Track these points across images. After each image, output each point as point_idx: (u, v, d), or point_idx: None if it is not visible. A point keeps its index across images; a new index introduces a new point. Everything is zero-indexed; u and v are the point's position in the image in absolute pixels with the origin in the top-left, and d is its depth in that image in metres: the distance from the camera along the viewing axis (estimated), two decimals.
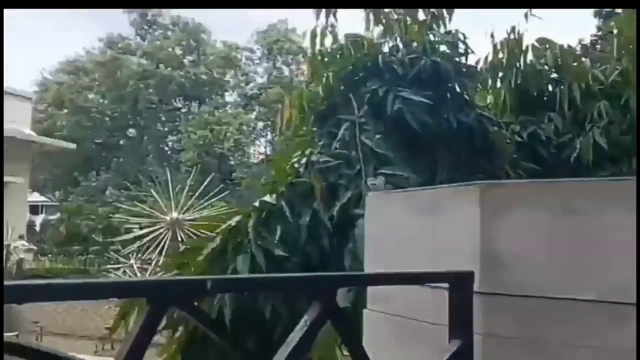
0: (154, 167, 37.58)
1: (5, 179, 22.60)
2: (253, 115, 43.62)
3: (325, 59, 4.70)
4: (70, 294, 1.16)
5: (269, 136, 46.20)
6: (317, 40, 4.86)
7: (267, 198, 4.01)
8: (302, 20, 66.51)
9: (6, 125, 22.79)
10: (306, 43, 4.91)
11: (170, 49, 42.70)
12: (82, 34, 75.25)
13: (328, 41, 4.87)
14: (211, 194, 14.18)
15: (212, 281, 1.14)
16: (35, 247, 24.84)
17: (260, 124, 44.58)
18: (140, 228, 14.91)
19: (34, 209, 37.29)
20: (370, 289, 2.26)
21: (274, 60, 44.43)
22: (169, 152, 43.58)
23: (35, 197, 38.38)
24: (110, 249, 23.85)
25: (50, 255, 27.28)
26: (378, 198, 2.51)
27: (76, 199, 36.82)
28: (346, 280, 1.59)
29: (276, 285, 1.35)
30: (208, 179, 14.53)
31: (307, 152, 4.32)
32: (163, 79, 41.13)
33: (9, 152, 22.65)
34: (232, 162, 41.15)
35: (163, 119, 43.92)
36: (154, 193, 13.83)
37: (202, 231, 12.66)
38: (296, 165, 4.20)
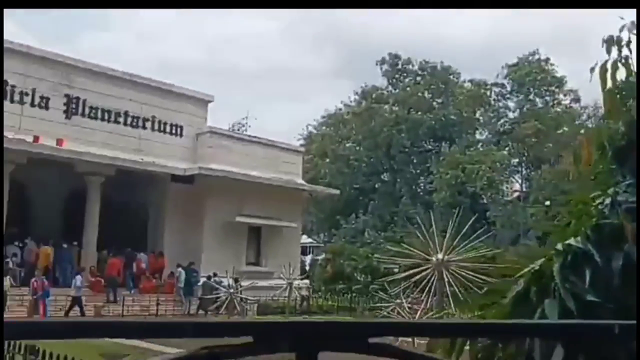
0: (408, 209, 38.74)
1: (284, 224, 25.54)
2: (506, 151, 42.32)
3: (624, 93, 4.45)
4: (442, 332, 1.32)
5: (524, 172, 44.20)
6: (608, 75, 4.64)
7: (571, 241, 3.90)
8: (556, 49, 63.10)
9: (283, 177, 25.89)
10: (594, 77, 4.70)
11: (419, 94, 44.16)
12: (342, 90, 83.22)
13: (620, 74, 4.61)
14: (474, 235, 14.07)
15: (619, 325, 1.21)
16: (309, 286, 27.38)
17: (515, 160, 42.98)
18: (400, 267, 15.36)
19: (303, 250, 41.22)
20: None
21: (526, 93, 42.77)
22: (421, 193, 44.55)
23: (304, 239, 42.42)
24: (371, 287, 25.05)
25: (319, 293, 29.54)
26: None
27: (338, 240, 39.70)
28: None
29: None
30: (471, 221, 14.45)
31: (609, 191, 4.11)
32: (414, 124, 42.58)
33: (288, 200, 25.63)
34: (484, 201, 40.26)
35: (415, 161, 45.23)
36: (418, 235, 14.21)
37: (469, 272, 12.62)
38: (600, 206, 4.02)
